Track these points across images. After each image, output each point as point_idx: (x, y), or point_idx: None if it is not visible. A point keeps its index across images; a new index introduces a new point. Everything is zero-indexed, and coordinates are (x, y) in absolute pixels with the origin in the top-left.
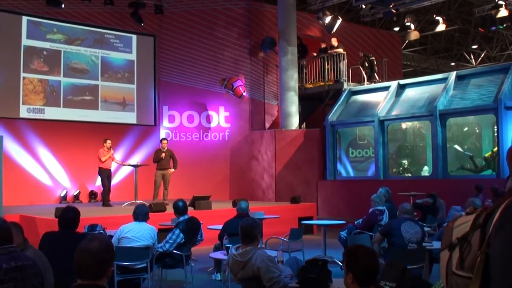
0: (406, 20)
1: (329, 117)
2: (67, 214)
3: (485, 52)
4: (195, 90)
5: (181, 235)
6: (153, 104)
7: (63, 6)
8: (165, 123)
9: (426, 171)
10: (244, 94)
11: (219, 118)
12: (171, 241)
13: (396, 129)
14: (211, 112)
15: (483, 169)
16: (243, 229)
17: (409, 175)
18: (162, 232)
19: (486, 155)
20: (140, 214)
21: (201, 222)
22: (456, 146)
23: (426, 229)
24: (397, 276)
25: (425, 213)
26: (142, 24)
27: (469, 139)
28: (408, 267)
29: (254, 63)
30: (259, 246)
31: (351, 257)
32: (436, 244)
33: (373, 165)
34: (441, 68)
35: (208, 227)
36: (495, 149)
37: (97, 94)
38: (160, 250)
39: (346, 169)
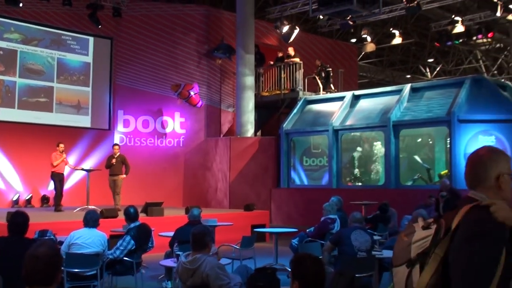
0: (362, 32)
1: (284, 125)
2: (16, 219)
3: (440, 66)
4: (150, 94)
5: (132, 241)
6: (108, 108)
7: (21, 5)
8: (120, 127)
9: (378, 180)
10: (200, 103)
11: (174, 123)
12: (121, 248)
13: (350, 139)
14: (166, 118)
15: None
16: (193, 236)
17: (362, 184)
18: (114, 239)
19: (442, 173)
20: (91, 220)
21: (152, 229)
22: (416, 157)
23: (377, 238)
24: (346, 284)
25: (376, 222)
26: (100, 26)
27: (422, 150)
28: (357, 275)
29: (211, 69)
30: (213, 251)
31: (297, 265)
32: (386, 253)
33: (327, 174)
34: (397, 80)
35: (160, 234)
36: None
37: (52, 96)
38: (110, 257)
39: (300, 178)
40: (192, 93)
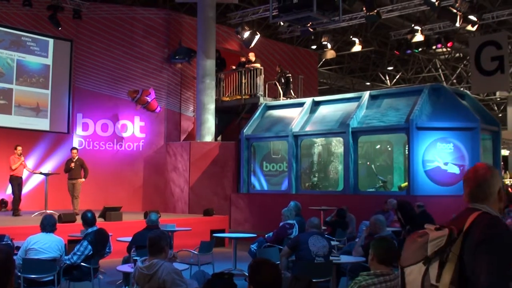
0: (323, 39)
1: (244, 130)
2: None
3: (400, 74)
4: (110, 98)
5: (89, 247)
6: (66, 111)
7: None
8: (79, 131)
9: (337, 186)
10: (158, 108)
11: (134, 127)
12: (78, 253)
13: (309, 145)
14: (125, 122)
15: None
16: (149, 241)
17: (321, 190)
18: (72, 244)
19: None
20: (48, 225)
21: (110, 234)
22: (372, 167)
23: (335, 243)
24: None
25: (335, 227)
26: (60, 28)
27: (381, 156)
28: (314, 280)
29: (171, 73)
30: (170, 255)
31: (254, 270)
32: (344, 258)
33: (287, 179)
34: (357, 87)
35: (118, 239)
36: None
37: (11, 99)
38: (67, 262)
39: (260, 183)
40: (149, 99)
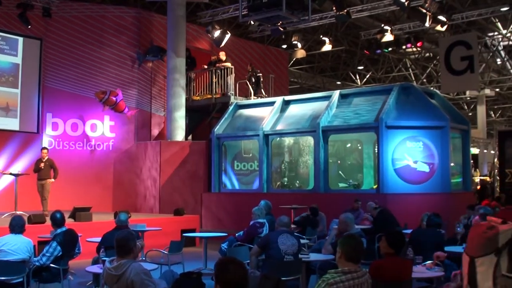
0: (293, 39)
1: (215, 129)
2: None
3: (370, 73)
4: (80, 97)
5: (58, 248)
6: (36, 110)
7: None
8: (48, 130)
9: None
10: (127, 109)
11: (104, 127)
12: (48, 254)
13: (280, 144)
14: (95, 121)
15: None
16: (117, 242)
17: (292, 188)
18: (42, 245)
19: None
20: (16, 226)
21: (80, 234)
22: (341, 173)
23: (305, 241)
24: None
25: (305, 225)
26: (29, 27)
27: (351, 155)
28: (284, 278)
29: (141, 72)
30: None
31: (220, 269)
32: (314, 256)
33: (258, 179)
34: (327, 87)
35: (88, 239)
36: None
37: None
38: (37, 263)
39: (231, 182)
40: (117, 99)
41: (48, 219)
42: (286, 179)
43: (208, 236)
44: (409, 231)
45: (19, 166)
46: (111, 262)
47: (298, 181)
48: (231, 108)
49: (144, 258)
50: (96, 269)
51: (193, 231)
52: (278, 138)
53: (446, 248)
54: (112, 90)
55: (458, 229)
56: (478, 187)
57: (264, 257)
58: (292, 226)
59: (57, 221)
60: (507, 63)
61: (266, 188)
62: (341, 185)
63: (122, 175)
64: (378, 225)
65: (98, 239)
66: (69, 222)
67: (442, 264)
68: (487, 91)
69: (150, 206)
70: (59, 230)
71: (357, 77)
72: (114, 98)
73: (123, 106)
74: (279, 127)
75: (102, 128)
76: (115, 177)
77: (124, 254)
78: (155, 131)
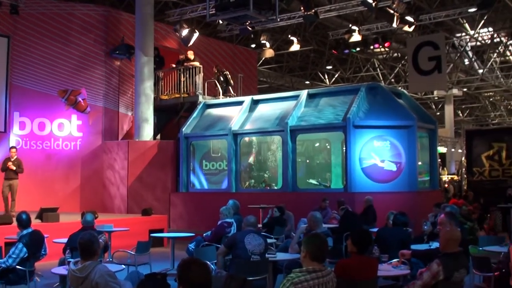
0: (261, 38)
1: (183, 129)
2: None
3: (339, 73)
4: (47, 96)
5: (24, 249)
6: (3, 109)
7: None
8: (16, 130)
9: (276, 184)
10: (88, 109)
11: (71, 126)
12: (14, 256)
13: (249, 143)
14: (62, 120)
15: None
16: (80, 245)
17: (260, 188)
18: (9, 246)
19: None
20: None
21: (46, 235)
22: (312, 181)
23: (273, 240)
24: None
25: (272, 225)
26: None
27: (320, 154)
28: (250, 278)
29: (109, 71)
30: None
31: (182, 270)
32: (280, 256)
33: (227, 178)
34: (296, 86)
35: (55, 240)
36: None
37: None
38: (3, 265)
39: (200, 181)
40: (79, 98)
41: (15, 220)
42: (253, 180)
43: (175, 236)
44: (376, 229)
45: None
46: (75, 264)
47: (266, 181)
48: (199, 107)
49: (111, 259)
50: (62, 270)
51: (161, 231)
52: (247, 138)
53: (413, 246)
54: (74, 89)
55: (425, 227)
56: (447, 185)
57: (231, 257)
58: (259, 225)
59: (23, 222)
60: (475, 64)
61: (235, 188)
62: (312, 181)
63: (90, 175)
64: (344, 224)
65: (65, 240)
66: (36, 223)
67: (408, 262)
68: (455, 91)
69: (118, 206)
70: (25, 232)
71: (326, 76)
72: (76, 97)
73: (84, 106)
74: (247, 126)
75: (69, 127)
76: (82, 177)
77: (88, 256)
78: (123, 131)
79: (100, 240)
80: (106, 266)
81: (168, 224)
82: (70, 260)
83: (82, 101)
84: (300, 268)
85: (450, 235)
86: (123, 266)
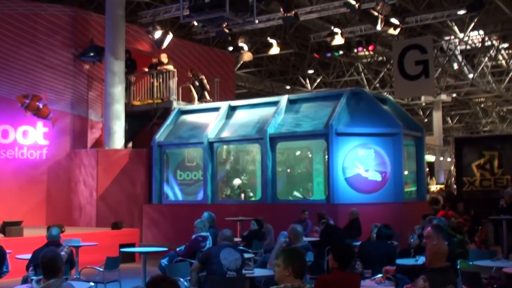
0: (239, 41)
1: (156, 137)
2: None
3: (321, 77)
4: (11, 102)
5: None
6: None
7: None
8: None
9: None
10: (51, 115)
11: (37, 134)
12: None
13: (225, 152)
14: (27, 127)
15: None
16: (43, 263)
17: (235, 197)
18: None
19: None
20: None
21: (9, 251)
22: (296, 193)
23: (251, 255)
24: None
25: (251, 238)
26: None
27: (301, 163)
28: None
29: (77, 75)
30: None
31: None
32: (258, 271)
33: (203, 189)
34: (276, 91)
35: (18, 256)
36: None
37: None
38: None
39: (174, 193)
40: (41, 104)
41: None
42: (229, 189)
43: (147, 251)
44: (359, 243)
45: None
46: (38, 282)
47: (241, 187)
48: (173, 113)
49: (78, 276)
50: None
51: (132, 245)
52: (224, 146)
53: (399, 261)
54: (35, 94)
55: (412, 240)
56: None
57: (206, 273)
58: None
59: None
60: (465, 68)
61: (211, 199)
62: (296, 194)
63: (57, 186)
64: (325, 237)
65: (29, 256)
66: None
67: (393, 278)
68: (443, 97)
69: (87, 220)
70: None
71: (308, 81)
72: (37, 103)
73: (46, 112)
74: (224, 134)
75: (35, 135)
76: (49, 188)
77: (51, 274)
78: (92, 139)
79: (63, 253)
80: (72, 284)
81: (140, 238)
82: (34, 278)
83: (43, 107)
84: (278, 285)
85: (437, 248)
86: (91, 284)
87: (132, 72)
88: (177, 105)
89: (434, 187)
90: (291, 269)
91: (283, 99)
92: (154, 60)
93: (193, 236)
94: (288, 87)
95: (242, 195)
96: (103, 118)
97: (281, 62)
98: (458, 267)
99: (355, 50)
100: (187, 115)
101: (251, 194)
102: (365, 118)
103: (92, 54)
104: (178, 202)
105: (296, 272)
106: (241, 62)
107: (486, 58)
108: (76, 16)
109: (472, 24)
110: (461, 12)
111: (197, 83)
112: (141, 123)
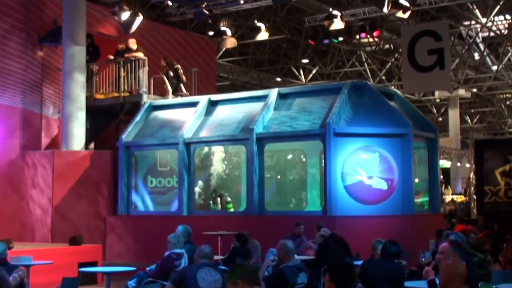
0: (222, 24)
1: (123, 136)
2: None
3: (317, 68)
4: None
5: None
6: None
7: None
8: None
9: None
10: None
11: None
12: None
13: (205, 154)
14: None
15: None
16: None
17: (216, 206)
18: None
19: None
20: None
21: None
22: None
23: None
24: None
25: (233, 257)
26: None
27: (293, 168)
28: None
29: (29, 64)
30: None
31: None
32: None
33: (177, 198)
34: (265, 84)
35: None
36: None
37: None
38: None
39: (144, 202)
40: None
41: None
42: (209, 201)
43: (111, 272)
44: (360, 262)
45: None
46: None
47: (217, 189)
48: (143, 109)
49: None
50: None
51: (94, 264)
52: (204, 148)
53: (407, 283)
54: None
55: (423, 259)
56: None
57: None
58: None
59: None
60: (487, 59)
61: (186, 210)
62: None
63: (4, 194)
64: (321, 255)
65: None
66: None
67: None
68: (462, 92)
69: (40, 233)
70: None
71: (301, 72)
72: None
73: None
74: (203, 133)
75: None
76: None
77: None
78: (47, 138)
79: (16, 275)
80: None
81: (103, 256)
82: None
83: None
84: None
85: (453, 269)
86: None
87: (95, 60)
88: (148, 99)
89: (449, 198)
90: (240, 281)
91: (273, 93)
92: (121, 46)
93: (166, 254)
94: (278, 79)
95: (218, 199)
96: (60, 115)
97: (270, 50)
98: None
99: (357, 37)
100: (159, 111)
101: (229, 199)
102: (369, 116)
103: (54, 37)
104: (149, 214)
105: (248, 278)
106: (224, 50)
107: None
108: None
109: (498, 7)
110: None
111: (171, 74)
112: (105, 120)
